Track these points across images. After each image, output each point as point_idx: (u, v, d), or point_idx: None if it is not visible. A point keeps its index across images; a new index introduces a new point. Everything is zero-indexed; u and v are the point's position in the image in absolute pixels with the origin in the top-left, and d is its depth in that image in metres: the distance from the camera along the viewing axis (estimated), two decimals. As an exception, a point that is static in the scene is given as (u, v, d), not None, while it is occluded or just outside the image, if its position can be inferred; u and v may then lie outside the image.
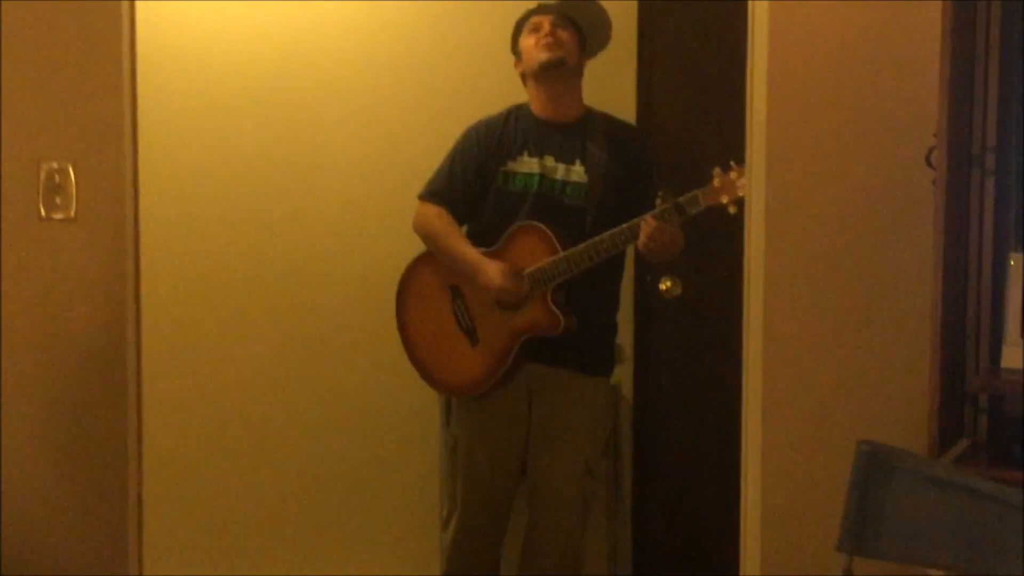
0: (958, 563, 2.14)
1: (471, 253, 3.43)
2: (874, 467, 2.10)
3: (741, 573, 3.05)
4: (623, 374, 4.03)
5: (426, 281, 3.54)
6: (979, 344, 2.71)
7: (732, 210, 3.19)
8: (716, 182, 3.21)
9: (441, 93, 3.92)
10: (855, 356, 2.92)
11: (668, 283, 4.01)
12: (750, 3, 2.99)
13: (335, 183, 3.97)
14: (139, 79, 2.91)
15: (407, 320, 3.58)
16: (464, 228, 3.53)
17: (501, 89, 3.60)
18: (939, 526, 2.08)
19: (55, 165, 2.80)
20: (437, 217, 3.50)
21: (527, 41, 3.49)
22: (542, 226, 3.37)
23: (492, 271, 3.37)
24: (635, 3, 3.94)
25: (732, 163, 3.18)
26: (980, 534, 2.04)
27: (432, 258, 3.53)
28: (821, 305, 2.94)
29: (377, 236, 3.70)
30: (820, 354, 2.93)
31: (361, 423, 4.02)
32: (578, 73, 3.52)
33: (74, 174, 2.80)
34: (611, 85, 3.95)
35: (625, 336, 4.03)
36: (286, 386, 3.99)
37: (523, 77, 3.54)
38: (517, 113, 3.53)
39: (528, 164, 3.46)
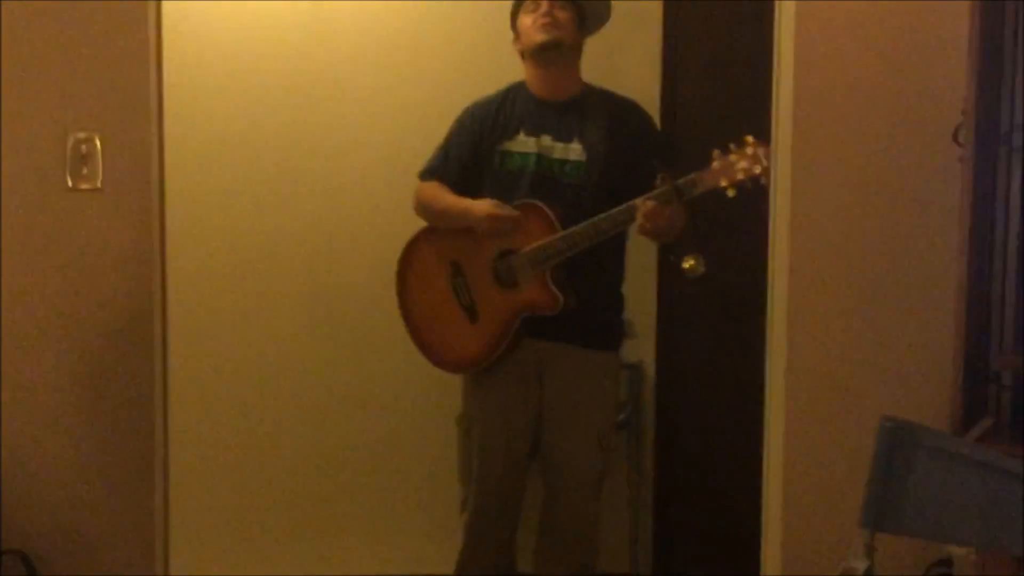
0: (980, 540, 2.14)
1: (460, 200, 3.45)
2: (897, 444, 2.09)
3: (763, 548, 3.06)
4: (646, 352, 4.04)
5: (426, 257, 3.55)
6: (1004, 322, 2.70)
7: (731, 193, 3.16)
8: (716, 164, 3.17)
9: (466, 71, 3.93)
10: (879, 334, 2.92)
11: (692, 262, 4.00)
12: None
13: (360, 157, 3.99)
14: (165, 51, 2.91)
15: (408, 297, 3.59)
16: None
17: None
18: (962, 503, 2.07)
19: (82, 136, 2.81)
20: (431, 187, 3.52)
21: (525, 20, 3.48)
22: (542, 205, 3.36)
23: (480, 205, 3.38)
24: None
25: (731, 145, 3.15)
26: (1003, 512, 2.03)
27: (432, 235, 3.54)
28: (846, 283, 2.93)
29: (400, 214, 3.70)
30: (844, 332, 2.93)
31: (385, 400, 4.04)
32: (576, 52, 3.50)
33: (101, 145, 2.81)
34: (636, 61, 3.95)
35: (647, 314, 4.03)
36: (310, 358, 4.02)
37: (521, 54, 3.54)
38: (515, 92, 3.53)
39: (525, 143, 3.46)
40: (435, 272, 3.52)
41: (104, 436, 2.86)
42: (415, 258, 3.57)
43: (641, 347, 4.00)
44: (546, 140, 3.44)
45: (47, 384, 2.85)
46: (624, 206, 3.25)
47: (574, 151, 3.43)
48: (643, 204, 3.20)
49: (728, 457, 4.06)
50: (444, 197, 3.49)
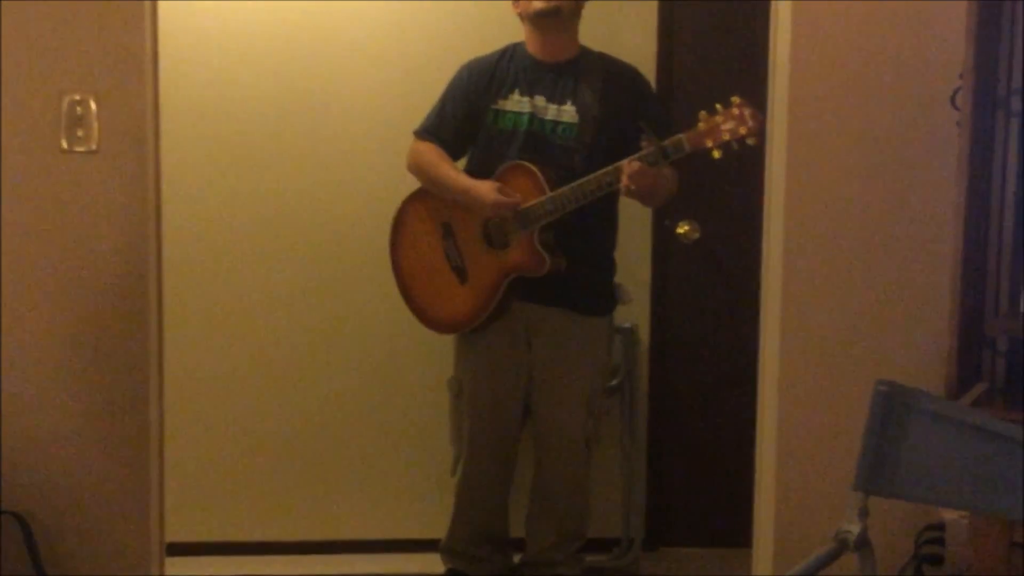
0: (973, 504, 2.15)
1: (462, 178, 3.44)
2: (891, 407, 2.09)
3: (756, 512, 3.07)
4: (640, 317, 4.04)
5: (418, 219, 3.56)
6: (999, 287, 2.71)
7: (716, 155, 3.14)
8: (701, 125, 3.15)
9: (459, 32, 3.91)
10: (875, 298, 2.92)
11: (686, 227, 4.00)
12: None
13: (355, 119, 3.98)
14: (160, 11, 2.89)
15: (400, 257, 3.60)
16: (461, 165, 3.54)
17: (514, 28, 3.57)
18: (955, 466, 2.08)
19: (77, 97, 2.79)
20: (428, 151, 3.51)
21: None
22: (530, 165, 3.36)
23: (484, 189, 3.37)
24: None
25: (718, 106, 3.14)
26: (996, 475, 2.04)
27: (424, 196, 3.54)
28: (841, 247, 2.93)
29: (393, 174, 3.70)
30: (839, 296, 2.93)
31: (377, 363, 4.04)
32: (575, 16, 3.48)
33: (96, 106, 2.79)
34: (632, 24, 3.95)
35: (642, 279, 4.03)
36: (304, 320, 4.01)
37: (520, 16, 3.52)
38: (512, 51, 3.52)
39: (518, 103, 3.45)
40: (426, 233, 3.53)
41: (99, 397, 2.86)
42: (407, 219, 3.57)
43: (635, 312, 4.00)
44: (540, 101, 3.43)
45: (42, 346, 2.84)
46: (612, 166, 3.24)
47: (567, 113, 3.42)
48: (628, 165, 3.20)
49: (722, 422, 4.08)
50: (444, 169, 3.48)
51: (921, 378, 2.69)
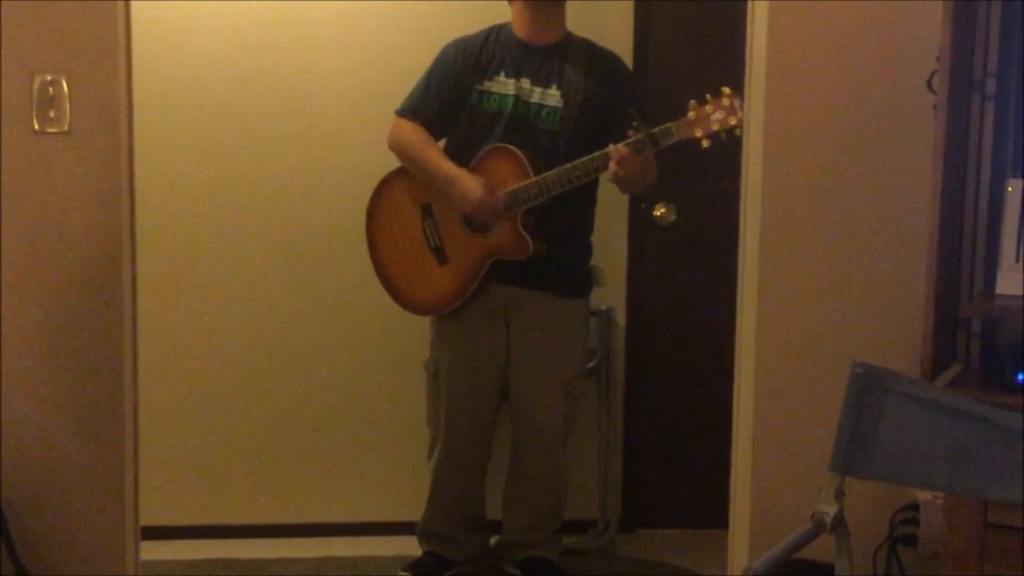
0: (949, 485, 2.16)
1: (449, 166, 3.41)
2: (867, 389, 2.10)
3: (732, 494, 3.08)
4: (616, 300, 4.04)
5: (397, 198, 3.53)
6: (974, 269, 2.72)
7: (705, 144, 3.15)
8: (691, 115, 3.16)
9: (432, 12, 3.89)
10: (850, 280, 2.93)
11: (662, 210, 4.01)
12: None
13: (330, 99, 3.96)
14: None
15: (376, 236, 3.57)
16: (441, 144, 3.52)
17: (495, 9, 3.56)
18: (931, 448, 2.08)
19: (48, 77, 2.75)
20: (413, 132, 3.47)
21: None
22: (515, 149, 3.35)
23: (471, 184, 3.35)
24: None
25: (708, 96, 3.14)
26: (971, 456, 2.05)
27: (404, 176, 3.51)
28: (817, 229, 2.94)
29: (371, 156, 3.68)
30: (815, 279, 2.94)
31: (353, 345, 4.03)
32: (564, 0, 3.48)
33: (68, 87, 2.76)
34: (609, 10, 3.94)
35: (618, 262, 4.04)
36: (278, 303, 4.00)
37: None
38: (498, 32, 3.50)
39: (504, 85, 3.43)
40: (405, 213, 3.51)
41: (73, 381, 2.83)
42: (386, 198, 3.55)
43: (612, 294, 4.00)
44: (525, 83, 3.42)
45: (14, 329, 2.81)
46: (599, 152, 3.24)
47: (552, 96, 3.41)
48: (616, 150, 3.20)
49: (698, 403, 4.09)
50: (429, 153, 3.45)
51: (897, 360, 2.70)
